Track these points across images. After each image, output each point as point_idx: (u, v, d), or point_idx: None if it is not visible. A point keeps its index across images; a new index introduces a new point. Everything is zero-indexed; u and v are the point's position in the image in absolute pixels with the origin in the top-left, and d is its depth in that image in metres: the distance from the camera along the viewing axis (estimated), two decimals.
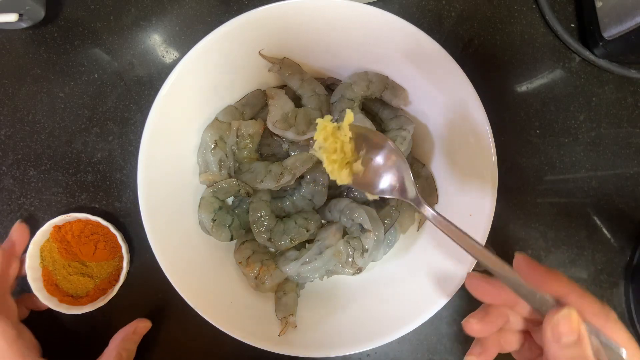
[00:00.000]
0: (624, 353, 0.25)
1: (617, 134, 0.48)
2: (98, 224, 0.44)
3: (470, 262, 0.36)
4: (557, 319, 0.25)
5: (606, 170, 0.47)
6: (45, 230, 0.44)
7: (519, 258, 0.28)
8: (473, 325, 0.29)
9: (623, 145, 0.48)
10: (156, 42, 0.49)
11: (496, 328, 0.29)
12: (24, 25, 0.46)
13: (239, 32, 0.38)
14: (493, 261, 0.28)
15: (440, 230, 0.30)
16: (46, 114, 0.48)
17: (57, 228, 0.44)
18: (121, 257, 0.45)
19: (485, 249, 0.28)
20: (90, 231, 0.45)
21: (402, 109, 0.43)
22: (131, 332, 0.43)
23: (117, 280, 0.44)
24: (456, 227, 0.29)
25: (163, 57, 0.49)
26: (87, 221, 0.45)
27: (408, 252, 0.42)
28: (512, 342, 0.30)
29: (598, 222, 0.47)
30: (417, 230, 0.43)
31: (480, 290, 0.30)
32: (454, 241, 0.29)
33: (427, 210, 0.31)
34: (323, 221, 0.43)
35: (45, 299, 0.43)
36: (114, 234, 0.44)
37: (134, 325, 0.43)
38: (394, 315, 0.38)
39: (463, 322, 0.29)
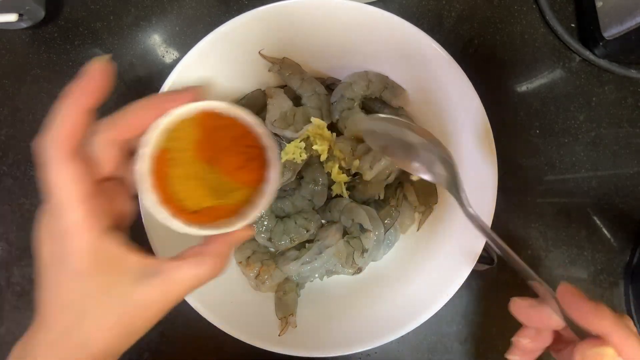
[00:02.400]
0: None
1: (617, 134, 0.48)
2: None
3: (471, 261, 0.36)
4: (590, 355, 0.24)
5: (606, 170, 0.47)
6: (189, 110, 0.27)
7: (563, 288, 0.26)
8: (526, 345, 0.28)
9: (623, 145, 0.48)
10: (156, 42, 0.49)
11: (545, 344, 0.29)
12: (24, 25, 0.46)
13: (239, 32, 0.38)
14: (540, 288, 0.27)
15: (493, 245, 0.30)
16: (46, 114, 0.48)
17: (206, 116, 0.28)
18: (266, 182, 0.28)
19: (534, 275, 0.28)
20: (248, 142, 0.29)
21: (402, 109, 0.43)
22: (233, 241, 0.29)
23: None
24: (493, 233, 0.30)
25: (163, 57, 0.49)
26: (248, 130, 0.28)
27: (408, 252, 0.42)
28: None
29: (598, 222, 0.47)
30: (417, 230, 0.43)
31: (525, 315, 0.29)
32: (505, 257, 0.29)
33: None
34: (323, 221, 0.43)
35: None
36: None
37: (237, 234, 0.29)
38: (394, 315, 0.38)
39: (513, 339, 0.29)
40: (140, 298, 0.26)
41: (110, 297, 0.25)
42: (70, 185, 0.24)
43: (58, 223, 0.24)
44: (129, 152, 0.27)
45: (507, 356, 0.29)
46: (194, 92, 0.27)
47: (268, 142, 0.28)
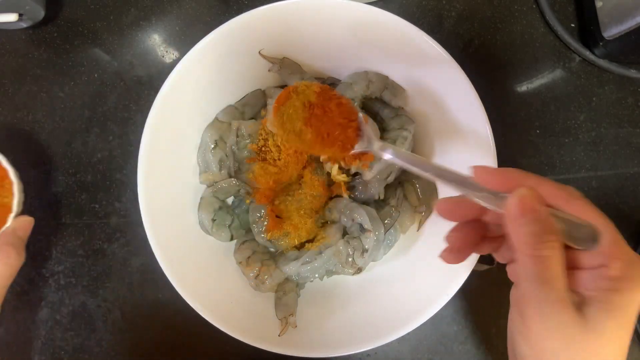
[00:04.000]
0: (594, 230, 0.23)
1: (617, 134, 0.48)
2: None
3: (471, 261, 0.36)
4: (509, 202, 0.24)
5: (606, 170, 0.47)
6: None
7: (476, 167, 0.27)
8: (453, 239, 0.29)
9: (623, 145, 0.48)
10: (156, 42, 0.49)
11: (465, 215, 0.29)
12: (24, 25, 0.46)
13: (239, 32, 0.38)
14: (454, 175, 0.27)
15: (398, 161, 0.30)
16: (46, 114, 0.48)
17: None
18: (10, 195, 0.41)
19: (447, 168, 0.28)
20: None
21: (402, 109, 0.43)
22: (10, 231, 0.40)
23: (3, 223, 0.40)
24: (409, 153, 0.30)
25: (163, 57, 0.49)
26: None
27: (408, 252, 0.42)
28: (486, 247, 0.30)
29: None
30: (417, 230, 0.43)
31: (449, 211, 0.29)
32: (410, 168, 0.29)
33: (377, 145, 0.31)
34: (323, 221, 0.43)
35: None
36: (5, 169, 0.41)
37: (12, 224, 0.40)
38: (394, 315, 0.38)
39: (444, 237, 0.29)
40: None
41: None
42: None
43: None
44: None
45: (439, 256, 0.29)
46: None
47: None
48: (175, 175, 0.40)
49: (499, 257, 0.30)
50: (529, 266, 0.23)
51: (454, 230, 0.29)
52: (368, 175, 0.39)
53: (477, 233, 0.29)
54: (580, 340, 0.22)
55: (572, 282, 0.24)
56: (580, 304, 0.23)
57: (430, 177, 0.28)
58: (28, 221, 0.41)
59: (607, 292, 0.23)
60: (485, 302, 0.46)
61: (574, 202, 0.24)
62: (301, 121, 0.31)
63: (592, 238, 0.23)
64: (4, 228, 0.40)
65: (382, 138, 0.40)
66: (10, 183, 0.41)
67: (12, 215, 0.40)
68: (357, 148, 0.32)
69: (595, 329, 0.22)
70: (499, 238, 0.29)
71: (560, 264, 0.23)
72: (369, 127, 0.32)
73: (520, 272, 0.24)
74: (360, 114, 0.32)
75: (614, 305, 0.23)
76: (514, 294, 0.26)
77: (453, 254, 0.29)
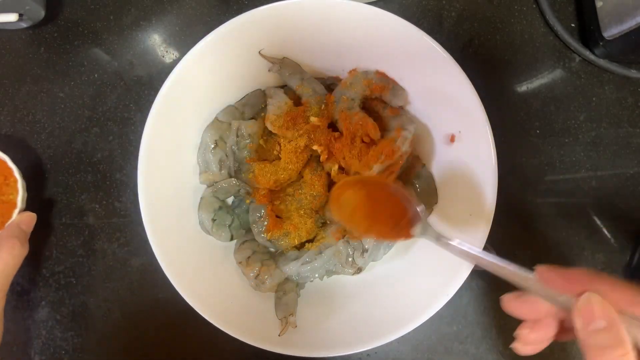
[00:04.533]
0: None
1: (617, 134, 0.48)
2: None
3: (471, 262, 0.36)
4: (579, 306, 0.24)
5: (606, 170, 0.47)
6: None
7: (540, 269, 0.27)
8: (527, 335, 0.28)
9: (623, 145, 0.48)
10: (156, 42, 0.49)
11: (549, 334, 0.28)
12: (24, 25, 0.46)
13: (239, 32, 0.38)
14: (518, 275, 0.27)
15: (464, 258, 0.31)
16: (46, 114, 0.48)
17: None
18: (14, 192, 0.43)
19: (509, 263, 0.28)
20: None
21: (402, 109, 0.43)
22: (15, 224, 0.42)
23: (8, 217, 0.43)
24: (475, 250, 0.30)
25: (163, 57, 0.49)
26: None
27: (408, 252, 0.42)
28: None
29: (598, 222, 0.47)
30: None
31: (518, 309, 0.29)
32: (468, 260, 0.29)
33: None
34: (323, 221, 0.43)
35: None
36: (10, 168, 0.43)
37: (17, 219, 0.43)
38: (394, 315, 0.38)
39: (515, 332, 0.29)
40: None
41: None
42: None
43: None
44: None
45: (512, 345, 0.29)
46: None
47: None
48: (175, 175, 0.40)
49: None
50: None
51: (525, 327, 0.29)
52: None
53: (551, 330, 0.28)
54: None
55: None
56: None
57: (490, 269, 0.29)
58: (31, 216, 0.43)
59: None
60: (485, 302, 0.46)
61: None
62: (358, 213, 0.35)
63: None
64: (9, 222, 0.42)
65: (382, 138, 0.40)
66: (15, 181, 0.43)
67: (16, 210, 0.43)
68: (415, 235, 0.34)
69: None
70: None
71: None
72: (424, 216, 0.34)
73: None
74: (418, 208, 0.34)
75: None
76: None
77: (527, 348, 0.29)
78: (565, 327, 0.29)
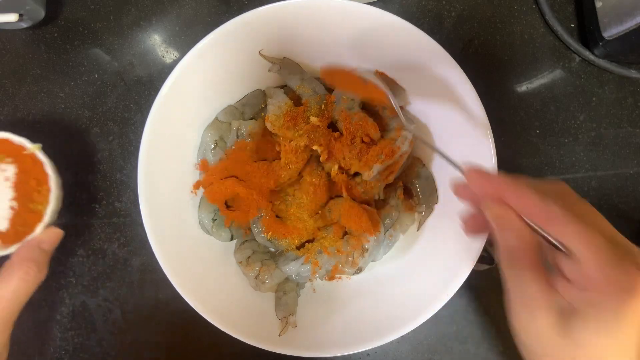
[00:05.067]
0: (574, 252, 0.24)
1: (617, 134, 0.48)
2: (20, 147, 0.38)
3: (471, 261, 0.36)
4: (487, 214, 0.27)
5: (606, 170, 0.47)
6: None
7: (467, 167, 0.29)
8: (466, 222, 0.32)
9: (623, 145, 0.48)
10: (156, 42, 0.49)
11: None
12: (24, 25, 0.46)
13: (239, 32, 0.38)
14: (454, 165, 0.31)
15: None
16: (46, 114, 0.48)
17: None
18: (45, 202, 0.38)
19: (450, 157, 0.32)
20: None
21: (402, 108, 0.43)
22: (34, 243, 0.36)
23: (30, 231, 0.37)
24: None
25: (163, 57, 0.49)
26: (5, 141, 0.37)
27: (408, 252, 0.42)
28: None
29: None
30: (417, 230, 0.43)
31: (462, 194, 0.32)
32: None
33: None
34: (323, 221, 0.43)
35: None
36: (47, 174, 0.37)
37: (38, 237, 0.37)
38: (394, 315, 0.38)
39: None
40: None
41: None
42: None
43: None
44: None
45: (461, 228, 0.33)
46: None
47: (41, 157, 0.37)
48: (175, 175, 0.40)
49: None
50: (507, 279, 0.26)
51: (465, 217, 0.32)
52: (368, 175, 0.39)
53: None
54: (558, 347, 0.24)
55: (564, 290, 0.25)
56: (569, 313, 0.24)
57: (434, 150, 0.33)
58: (56, 234, 0.37)
59: (586, 306, 0.24)
60: (485, 302, 0.46)
61: (553, 223, 0.25)
62: None
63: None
64: (30, 236, 0.36)
65: (382, 138, 0.40)
66: (48, 190, 0.38)
67: (41, 224, 0.37)
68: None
69: (575, 339, 0.23)
70: None
71: (536, 279, 0.25)
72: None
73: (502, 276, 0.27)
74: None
75: (593, 317, 0.23)
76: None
77: (469, 231, 0.32)
78: None
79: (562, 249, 0.25)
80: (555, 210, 0.25)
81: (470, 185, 0.29)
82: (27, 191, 0.37)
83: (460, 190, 0.32)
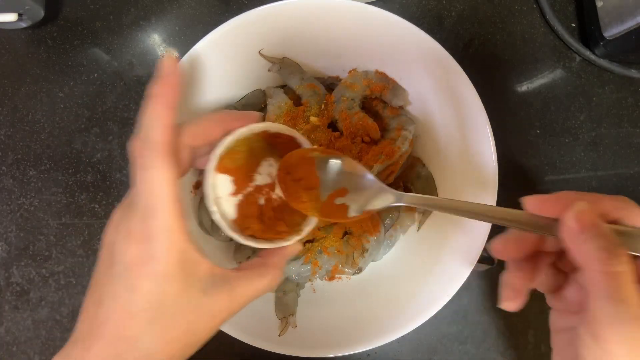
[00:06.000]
0: None
1: (617, 134, 0.48)
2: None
3: (471, 261, 0.36)
4: (566, 219, 0.23)
5: (606, 170, 0.47)
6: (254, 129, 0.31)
7: (527, 199, 0.25)
8: (496, 245, 0.27)
9: (623, 145, 0.48)
10: (156, 41, 0.49)
11: (522, 250, 0.28)
12: (23, 25, 0.46)
13: (238, 32, 0.38)
14: (504, 212, 0.26)
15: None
16: (46, 114, 0.48)
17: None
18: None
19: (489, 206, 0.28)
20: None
21: (402, 108, 0.43)
22: (287, 253, 0.32)
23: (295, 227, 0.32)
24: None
25: (163, 57, 0.49)
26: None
27: (408, 252, 0.42)
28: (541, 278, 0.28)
29: None
30: (417, 230, 0.43)
31: (506, 249, 0.28)
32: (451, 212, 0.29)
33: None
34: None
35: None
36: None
37: (291, 247, 0.32)
38: (394, 315, 0.38)
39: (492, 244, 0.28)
40: (208, 307, 0.25)
41: (182, 303, 0.24)
42: (165, 187, 0.24)
43: (144, 224, 0.23)
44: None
45: (500, 304, 0.28)
46: (257, 116, 0.30)
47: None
48: None
49: (542, 286, 0.29)
50: (602, 284, 0.21)
51: (511, 272, 0.28)
52: None
53: (534, 268, 0.28)
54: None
55: None
56: None
57: (476, 218, 0.28)
58: (298, 250, 0.32)
59: None
60: (485, 302, 0.46)
61: (633, 212, 0.23)
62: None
63: None
64: (284, 243, 0.31)
65: (382, 138, 0.40)
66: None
67: (298, 237, 0.31)
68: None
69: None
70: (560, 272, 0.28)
71: (633, 280, 0.21)
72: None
73: (591, 291, 0.22)
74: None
75: None
76: (557, 320, 0.26)
77: (514, 298, 0.27)
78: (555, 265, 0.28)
79: None
80: (631, 203, 0.24)
81: (538, 211, 0.25)
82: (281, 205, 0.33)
83: (506, 246, 0.28)
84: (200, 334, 0.26)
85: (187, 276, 0.24)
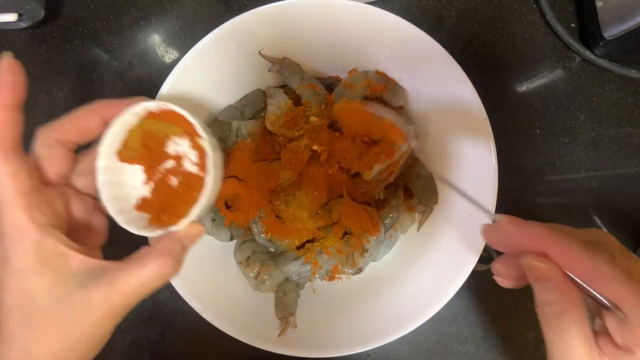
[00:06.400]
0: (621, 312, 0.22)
1: (617, 134, 0.48)
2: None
3: (472, 261, 0.36)
4: (529, 266, 0.25)
5: (606, 170, 0.47)
6: (137, 112, 0.30)
7: (501, 219, 0.27)
8: (500, 272, 0.29)
9: (623, 145, 0.48)
10: (156, 42, 0.49)
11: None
12: (23, 25, 0.46)
13: (239, 32, 0.38)
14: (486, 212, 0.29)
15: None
16: (46, 114, 0.48)
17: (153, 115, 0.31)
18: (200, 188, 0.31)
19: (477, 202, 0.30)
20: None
21: (402, 109, 0.43)
22: (179, 238, 0.31)
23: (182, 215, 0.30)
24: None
25: (163, 57, 0.49)
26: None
27: (408, 252, 0.42)
28: None
29: (598, 222, 0.47)
30: (417, 230, 0.43)
31: (495, 240, 0.29)
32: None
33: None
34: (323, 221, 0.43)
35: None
36: (205, 152, 0.31)
37: (185, 231, 0.31)
38: (394, 315, 0.38)
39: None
40: (83, 300, 0.25)
41: (54, 297, 0.24)
42: (9, 180, 0.24)
43: None
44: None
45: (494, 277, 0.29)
46: (133, 101, 0.30)
47: (203, 134, 0.30)
48: None
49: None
50: (547, 334, 0.24)
51: (499, 263, 0.29)
52: (367, 175, 0.39)
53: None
54: None
55: (608, 349, 0.23)
56: None
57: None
58: (199, 231, 0.31)
59: None
60: (485, 302, 0.46)
61: (601, 281, 0.23)
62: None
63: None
64: (174, 228, 0.30)
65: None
66: (202, 185, 0.30)
67: (188, 218, 0.30)
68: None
69: None
70: None
71: (581, 339, 0.23)
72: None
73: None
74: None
75: None
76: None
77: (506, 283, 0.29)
78: None
79: (609, 306, 0.23)
80: (603, 268, 0.23)
81: (506, 237, 0.27)
82: (191, 174, 0.32)
83: (492, 238, 0.29)
84: (85, 329, 0.25)
85: (54, 270, 0.24)
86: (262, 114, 0.43)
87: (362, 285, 0.42)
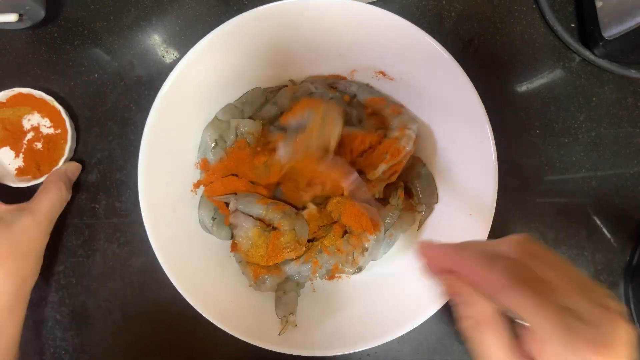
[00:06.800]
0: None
1: (617, 134, 0.48)
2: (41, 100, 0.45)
3: None
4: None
5: (606, 170, 0.47)
6: None
7: (420, 244, 0.28)
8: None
9: (623, 145, 0.48)
10: (156, 42, 0.49)
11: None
12: (24, 25, 0.46)
13: (238, 32, 0.38)
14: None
15: None
16: None
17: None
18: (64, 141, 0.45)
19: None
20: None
21: (404, 107, 0.43)
22: (62, 170, 0.44)
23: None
24: None
25: (163, 57, 0.49)
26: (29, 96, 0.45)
27: (408, 252, 0.42)
28: None
29: (598, 222, 0.47)
30: (417, 230, 0.43)
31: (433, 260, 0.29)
32: None
33: None
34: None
35: None
36: (57, 109, 0.45)
37: (64, 166, 0.45)
38: (394, 315, 0.38)
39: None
40: (18, 227, 0.38)
41: None
42: None
43: None
44: None
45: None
46: None
47: (45, 96, 0.45)
48: (175, 174, 0.40)
49: None
50: (471, 343, 0.25)
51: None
52: (372, 175, 0.39)
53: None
54: None
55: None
56: None
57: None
58: (77, 166, 0.46)
59: None
60: None
61: (500, 293, 0.23)
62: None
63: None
64: (56, 167, 0.44)
65: (385, 137, 0.40)
66: (66, 131, 0.45)
67: (63, 158, 0.44)
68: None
69: None
70: None
71: (499, 347, 0.24)
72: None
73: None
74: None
75: None
76: None
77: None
78: None
79: (516, 316, 0.24)
80: (500, 280, 0.23)
81: (425, 261, 0.27)
82: (50, 134, 0.46)
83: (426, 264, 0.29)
84: (26, 246, 0.39)
85: None
86: (261, 112, 0.43)
87: (362, 284, 0.42)
